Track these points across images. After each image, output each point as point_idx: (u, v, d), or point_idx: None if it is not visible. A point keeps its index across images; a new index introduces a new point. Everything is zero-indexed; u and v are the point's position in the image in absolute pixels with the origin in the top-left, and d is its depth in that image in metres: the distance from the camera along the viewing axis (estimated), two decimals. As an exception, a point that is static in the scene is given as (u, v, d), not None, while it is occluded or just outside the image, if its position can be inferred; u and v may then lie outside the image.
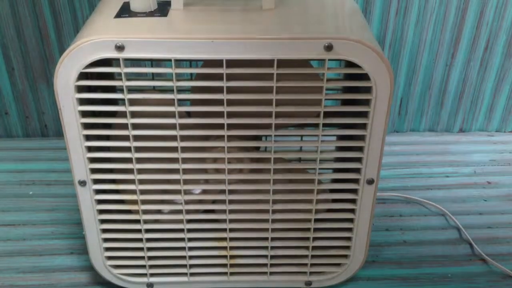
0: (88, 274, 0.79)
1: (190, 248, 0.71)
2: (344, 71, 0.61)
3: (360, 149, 0.64)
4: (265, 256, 0.73)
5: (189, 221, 0.69)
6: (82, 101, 0.61)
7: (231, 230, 0.70)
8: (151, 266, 0.73)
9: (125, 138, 0.63)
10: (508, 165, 1.05)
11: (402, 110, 1.13)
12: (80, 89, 0.60)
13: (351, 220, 0.70)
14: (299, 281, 0.75)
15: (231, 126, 0.62)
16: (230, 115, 0.62)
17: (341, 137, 0.68)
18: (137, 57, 0.58)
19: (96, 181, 0.66)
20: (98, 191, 0.67)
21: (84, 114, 0.61)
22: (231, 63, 0.58)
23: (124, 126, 0.62)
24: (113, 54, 0.57)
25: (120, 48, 0.57)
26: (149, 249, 0.71)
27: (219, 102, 0.61)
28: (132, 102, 0.61)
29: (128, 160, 0.65)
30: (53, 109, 1.10)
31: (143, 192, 0.67)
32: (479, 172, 1.03)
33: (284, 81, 0.60)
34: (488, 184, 0.99)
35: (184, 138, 0.63)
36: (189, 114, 0.65)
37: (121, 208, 0.68)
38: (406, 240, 0.87)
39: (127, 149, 0.64)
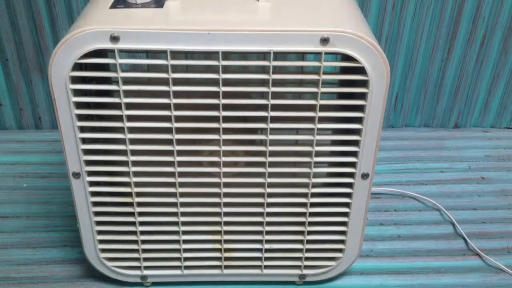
0: (82, 267, 0.79)
1: (185, 241, 0.71)
2: (341, 64, 0.61)
3: (355, 143, 0.64)
4: (260, 250, 0.73)
5: (184, 214, 0.69)
6: (77, 92, 0.60)
7: (226, 223, 0.70)
8: (145, 259, 0.73)
9: (120, 130, 0.63)
10: (503, 160, 1.05)
11: (397, 105, 1.13)
12: (75, 80, 0.59)
13: (345, 214, 0.70)
14: (293, 275, 0.75)
15: (226, 119, 0.62)
16: (226, 107, 0.61)
17: (336, 131, 0.68)
18: (132, 48, 0.57)
19: (90, 173, 0.65)
20: (92, 183, 0.66)
21: (79, 105, 0.61)
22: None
23: (119, 118, 0.62)
24: (108, 45, 0.57)
25: (115, 39, 0.56)
26: (143, 241, 0.71)
27: (214, 95, 0.61)
28: (127, 93, 0.61)
29: (122, 152, 0.64)
30: (48, 101, 1.09)
31: (137, 184, 0.66)
32: (474, 167, 1.03)
33: (280, 74, 0.60)
34: (482, 180, 1.00)
35: (179, 130, 0.63)
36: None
37: (115, 201, 0.68)
38: (400, 234, 0.87)
39: (122, 141, 0.63)
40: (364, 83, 0.60)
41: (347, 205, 0.69)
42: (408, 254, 0.83)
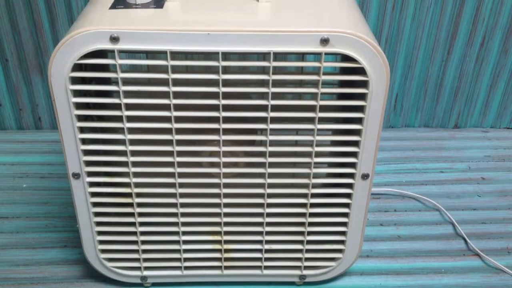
0: (82, 267, 0.79)
1: (185, 242, 0.71)
2: (340, 65, 0.61)
3: (355, 143, 0.64)
4: (260, 250, 0.73)
5: (184, 214, 0.69)
6: (76, 93, 0.60)
7: (226, 224, 0.70)
8: (145, 260, 0.73)
9: (120, 130, 0.62)
10: (503, 161, 1.05)
11: (397, 105, 1.13)
12: (75, 80, 0.59)
13: (345, 215, 0.70)
14: (293, 276, 0.75)
15: (226, 120, 0.62)
16: (226, 108, 0.61)
17: (336, 132, 0.68)
18: (132, 48, 0.57)
19: (90, 174, 0.65)
20: (92, 184, 0.66)
21: (78, 106, 0.61)
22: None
23: (118, 118, 0.62)
24: (108, 46, 0.57)
25: (115, 39, 0.56)
26: (143, 242, 0.71)
27: (214, 95, 0.61)
28: (127, 94, 0.61)
29: (122, 153, 0.64)
30: (47, 101, 1.09)
31: (137, 185, 0.66)
32: (474, 168, 1.03)
33: (280, 74, 0.60)
34: (482, 180, 1.00)
35: (179, 131, 0.63)
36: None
37: (115, 201, 0.68)
38: (400, 235, 0.87)
39: (122, 142, 0.63)
40: (364, 84, 0.60)
41: (347, 205, 0.69)
42: (408, 254, 0.83)
